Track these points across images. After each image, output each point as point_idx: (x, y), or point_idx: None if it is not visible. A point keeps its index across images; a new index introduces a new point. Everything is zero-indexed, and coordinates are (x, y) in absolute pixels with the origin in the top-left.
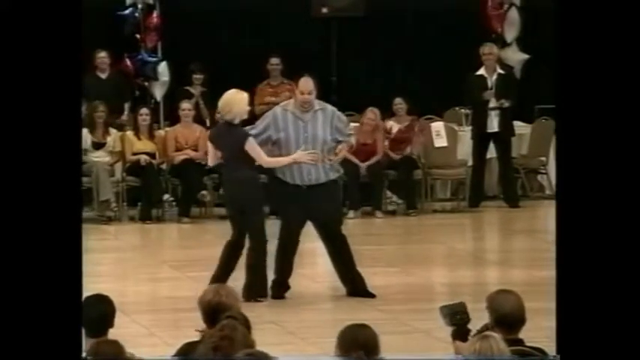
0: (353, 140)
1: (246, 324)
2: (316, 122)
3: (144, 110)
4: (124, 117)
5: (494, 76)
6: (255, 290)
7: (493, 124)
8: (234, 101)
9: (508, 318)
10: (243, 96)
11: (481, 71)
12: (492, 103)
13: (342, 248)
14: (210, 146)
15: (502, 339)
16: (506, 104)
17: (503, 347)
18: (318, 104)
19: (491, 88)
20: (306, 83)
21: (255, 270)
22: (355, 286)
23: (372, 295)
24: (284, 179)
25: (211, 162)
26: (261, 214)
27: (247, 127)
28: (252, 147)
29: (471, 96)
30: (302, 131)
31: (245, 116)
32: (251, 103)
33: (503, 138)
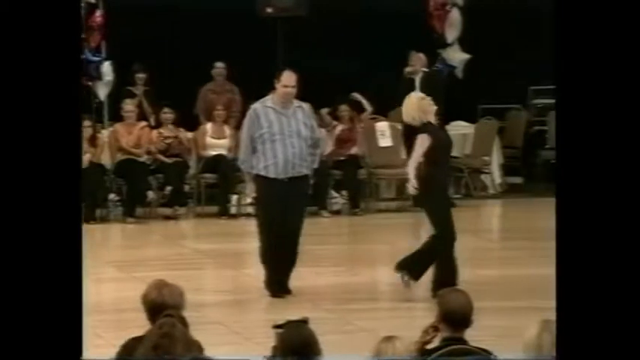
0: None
1: (183, 322)
2: (297, 118)
3: (86, 122)
4: None
5: (419, 75)
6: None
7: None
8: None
9: (454, 315)
10: (411, 100)
11: (409, 68)
12: None
13: (296, 243)
14: None
15: (416, 342)
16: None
17: (404, 350)
18: (296, 101)
19: (412, 79)
20: (290, 77)
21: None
22: (281, 283)
23: (289, 292)
24: (266, 175)
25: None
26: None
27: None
28: (419, 142)
29: (399, 95)
30: (286, 126)
31: (425, 118)
32: (194, 103)
33: None
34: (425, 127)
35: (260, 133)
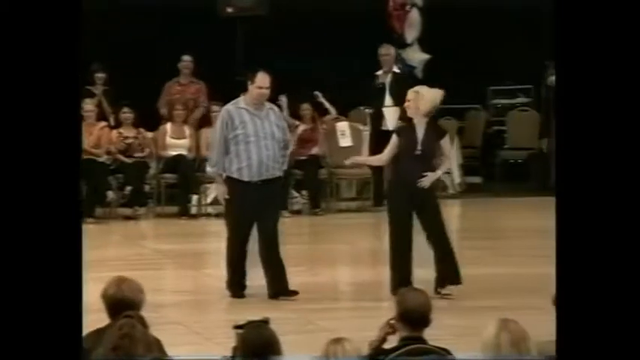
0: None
1: (143, 322)
2: (270, 120)
3: None
4: None
5: (390, 75)
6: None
7: (388, 124)
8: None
9: (412, 314)
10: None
11: (380, 71)
12: (388, 103)
13: (276, 246)
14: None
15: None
16: None
17: (353, 351)
18: (267, 103)
19: (382, 84)
20: (265, 78)
21: (447, 258)
22: (275, 286)
23: (294, 293)
24: (239, 178)
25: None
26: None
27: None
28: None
29: (367, 95)
30: (260, 128)
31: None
32: (154, 103)
33: None
34: (399, 128)
35: (234, 135)
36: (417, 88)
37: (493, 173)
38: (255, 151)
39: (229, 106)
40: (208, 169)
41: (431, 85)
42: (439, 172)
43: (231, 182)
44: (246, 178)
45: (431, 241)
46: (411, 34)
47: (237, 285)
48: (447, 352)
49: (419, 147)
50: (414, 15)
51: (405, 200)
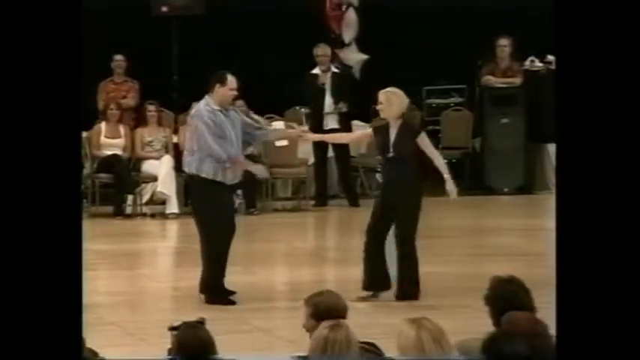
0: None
1: None
2: (236, 121)
3: None
4: None
5: (329, 75)
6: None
7: (331, 122)
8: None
9: (325, 315)
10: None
11: (316, 70)
12: (329, 107)
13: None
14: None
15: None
16: (344, 109)
17: (345, 337)
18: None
19: (323, 84)
20: (234, 80)
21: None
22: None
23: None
24: (224, 180)
25: None
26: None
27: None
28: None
29: (306, 95)
30: (232, 129)
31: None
32: (95, 99)
33: None
34: (375, 127)
35: (228, 139)
36: (387, 89)
37: (427, 172)
38: (239, 154)
39: (207, 107)
40: (224, 162)
41: (366, 84)
42: (449, 177)
43: (213, 185)
44: (229, 181)
45: (397, 242)
46: (349, 34)
47: (222, 287)
48: (373, 346)
49: (391, 150)
50: (351, 15)
51: (380, 201)
